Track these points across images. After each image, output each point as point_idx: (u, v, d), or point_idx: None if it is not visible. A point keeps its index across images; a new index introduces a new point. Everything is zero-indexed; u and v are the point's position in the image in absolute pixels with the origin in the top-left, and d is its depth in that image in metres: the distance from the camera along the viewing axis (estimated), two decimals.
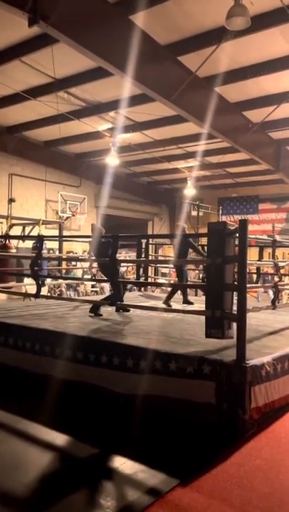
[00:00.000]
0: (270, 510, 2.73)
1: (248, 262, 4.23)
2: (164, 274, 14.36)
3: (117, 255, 5.79)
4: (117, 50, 6.83)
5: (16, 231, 12.03)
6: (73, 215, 14.78)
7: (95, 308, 6.38)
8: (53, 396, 4.32)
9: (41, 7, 5.65)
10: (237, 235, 4.05)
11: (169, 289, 8.20)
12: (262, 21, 6.46)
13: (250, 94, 9.44)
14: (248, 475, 3.13)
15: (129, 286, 9.96)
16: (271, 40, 7.18)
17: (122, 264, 10.27)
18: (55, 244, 12.94)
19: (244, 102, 9.80)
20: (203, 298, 4.79)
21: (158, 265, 12.32)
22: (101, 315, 6.29)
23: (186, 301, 7.71)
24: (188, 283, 8.48)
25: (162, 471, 3.14)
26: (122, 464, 3.29)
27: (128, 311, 6.64)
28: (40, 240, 7.28)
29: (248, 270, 4.72)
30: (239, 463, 3.30)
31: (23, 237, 11.18)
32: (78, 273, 13.13)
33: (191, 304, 7.56)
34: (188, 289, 8.45)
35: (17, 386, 5.07)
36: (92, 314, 6.29)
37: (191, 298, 8.07)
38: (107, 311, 6.56)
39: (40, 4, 5.62)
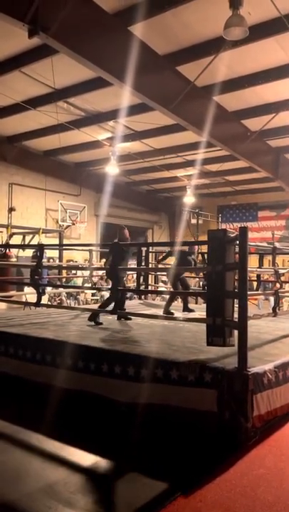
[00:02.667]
0: None
1: (248, 269, 4.23)
2: (164, 282, 14.33)
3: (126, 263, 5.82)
4: (117, 61, 6.90)
5: (16, 240, 12.06)
6: (73, 224, 14.81)
7: (94, 317, 6.35)
8: (53, 405, 4.29)
9: (41, 18, 5.71)
10: (237, 242, 4.05)
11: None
12: (259, 31, 6.53)
13: (248, 103, 9.51)
14: (252, 484, 3.09)
15: (129, 294, 9.94)
16: (269, 50, 7.26)
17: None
18: (55, 253, 12.96)
19: (242, 110, 9.87)
20: (204, 305, 4.78)
21: (158, 273, 12.32)
22: (101, 323, 6.27)
23: (186, 309, 7.70)
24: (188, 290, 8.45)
25: (164, 480, 3.11)
26: (123, 473, 3.26)
27: (129, 319, 6.62)
28: (40, 248, 7.29)
29: (248, 277, 4.71)
30: (242, 472, 3.27)
31: (23, 246, 11.23)
32: (78, 281, 13.11)
33: (192, 311, 7.54)
34: (188, 297, 8.42)
35: (18, 395, 5.04)
36: (92, 323, 6.26)
37: (191, 305, 8.05)
38: (108, 319, 6.55)
39: (40, 16, 5.68)
